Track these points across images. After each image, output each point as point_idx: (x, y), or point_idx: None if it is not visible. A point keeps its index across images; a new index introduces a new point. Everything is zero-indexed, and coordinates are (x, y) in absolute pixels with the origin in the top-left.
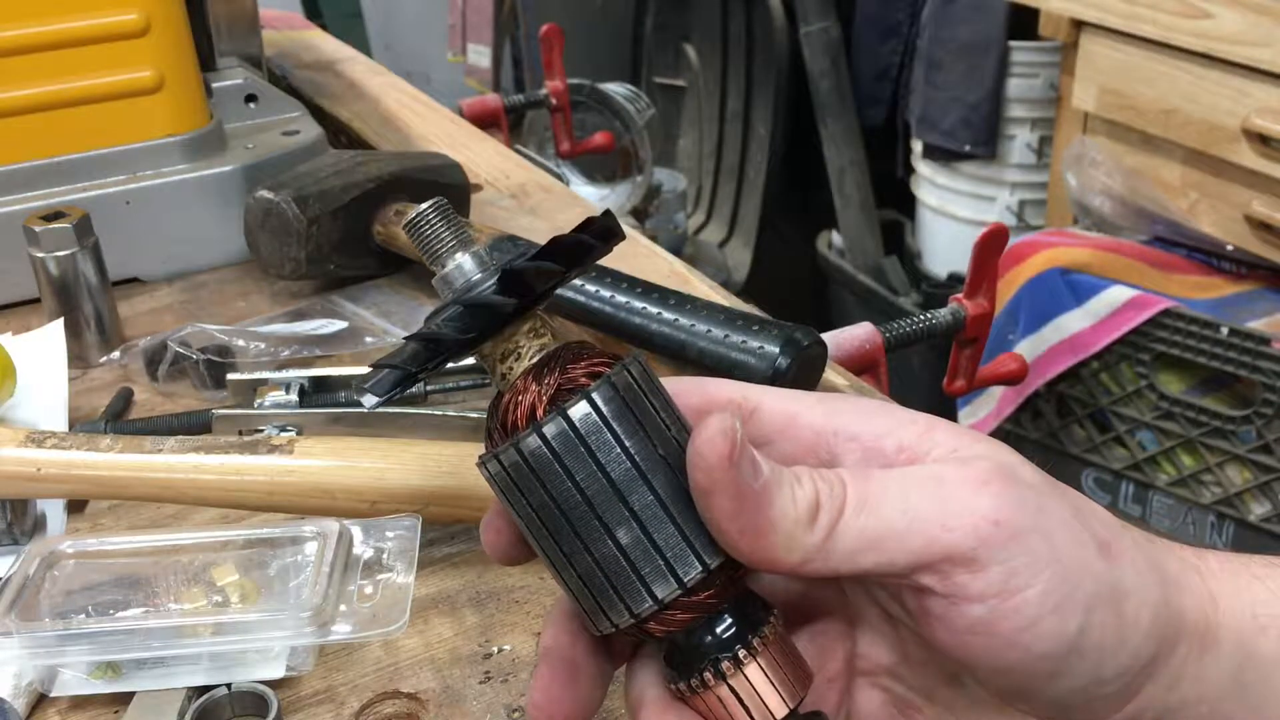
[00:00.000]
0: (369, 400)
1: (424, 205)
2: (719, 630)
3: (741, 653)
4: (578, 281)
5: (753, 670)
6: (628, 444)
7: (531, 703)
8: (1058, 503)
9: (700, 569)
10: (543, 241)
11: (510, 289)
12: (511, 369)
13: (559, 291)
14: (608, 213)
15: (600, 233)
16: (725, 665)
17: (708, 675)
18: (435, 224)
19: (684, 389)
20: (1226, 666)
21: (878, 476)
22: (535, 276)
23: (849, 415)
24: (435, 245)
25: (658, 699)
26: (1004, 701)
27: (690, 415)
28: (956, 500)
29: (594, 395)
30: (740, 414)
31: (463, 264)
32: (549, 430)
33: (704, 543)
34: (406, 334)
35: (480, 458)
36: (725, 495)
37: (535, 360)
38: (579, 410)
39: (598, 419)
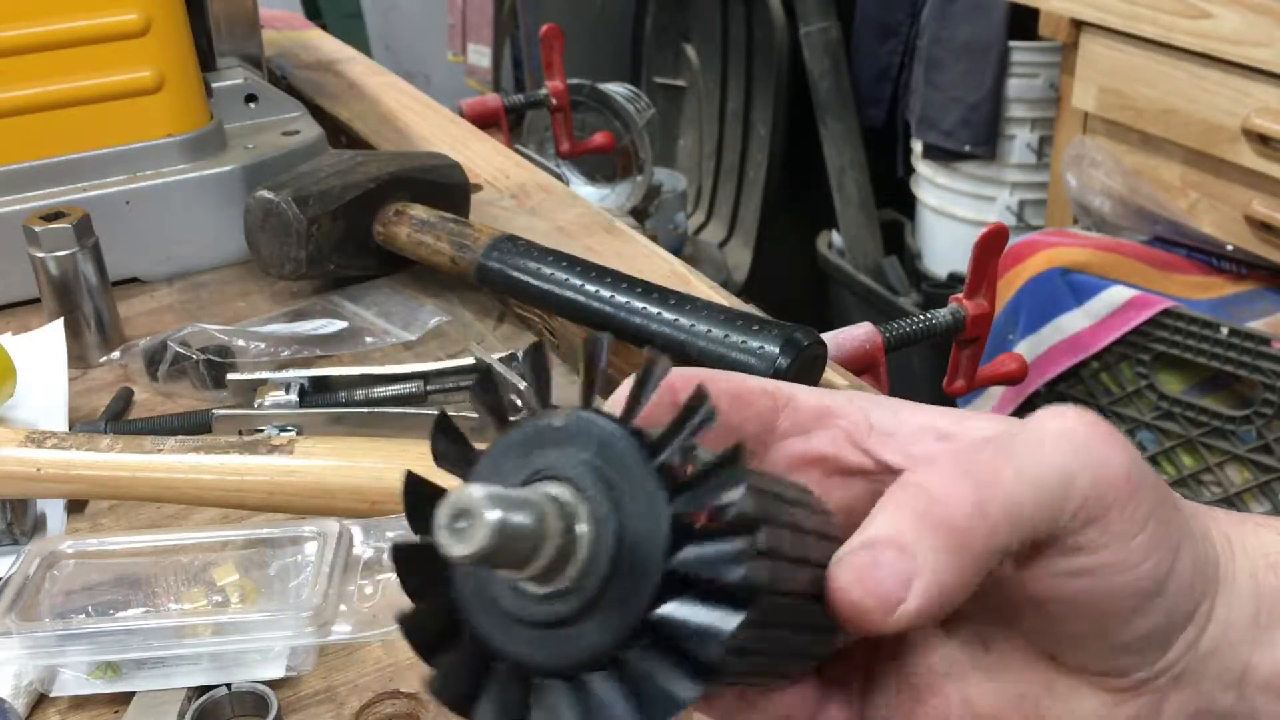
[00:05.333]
0: None
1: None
2: None
3: None
4: (578, 281)
5: None
6: None
7: None
8: None
9: None
10: (542, 241)
11: None
12: None
13: (561, 293)
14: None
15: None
16: None
17: None
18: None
19: (719, 378)
20: (1246, 609)
21: (999, 448)
22: None
23: (882, 410)
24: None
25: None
26: (1061, 648)
27: (725, 399)
28: (1096, 454)
29: None
30: (776, 401)
31: None
32: None
33: None
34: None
35: None
36: None
37: None
38: None
39: None
